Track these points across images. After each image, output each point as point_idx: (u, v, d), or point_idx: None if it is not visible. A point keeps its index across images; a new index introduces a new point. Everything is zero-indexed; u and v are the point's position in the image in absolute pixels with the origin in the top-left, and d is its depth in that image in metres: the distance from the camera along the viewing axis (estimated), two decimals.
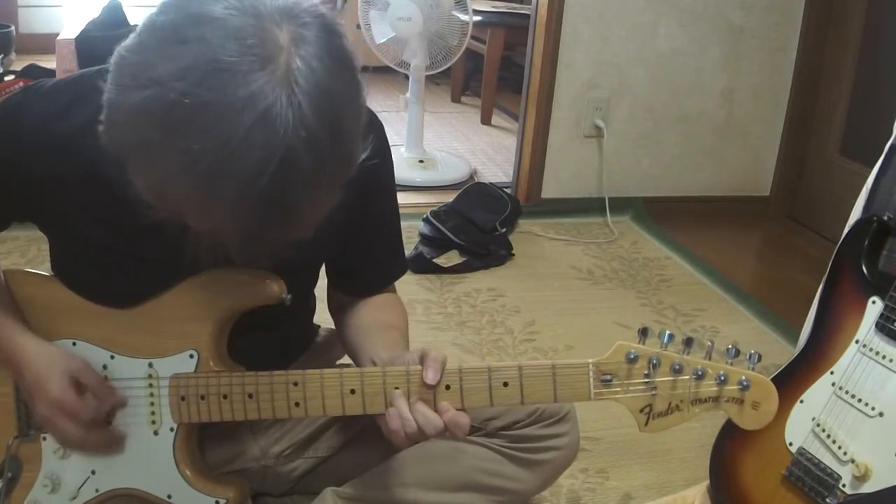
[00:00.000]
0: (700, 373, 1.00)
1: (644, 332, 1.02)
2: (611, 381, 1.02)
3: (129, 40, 0.83)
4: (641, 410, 1.02)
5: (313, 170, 0.80)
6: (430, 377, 1.02)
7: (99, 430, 1.08)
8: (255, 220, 0.82)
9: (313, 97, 0.79)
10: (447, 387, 1.04)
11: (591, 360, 1.03)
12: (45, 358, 1.07)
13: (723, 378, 1.00)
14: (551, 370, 1.04)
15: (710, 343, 1.03)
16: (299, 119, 0.78)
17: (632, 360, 1.01)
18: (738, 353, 1.02)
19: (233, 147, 0.77)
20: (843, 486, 1.24)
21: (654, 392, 1.02)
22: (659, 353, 1.01)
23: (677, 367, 1.00)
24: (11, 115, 1.02)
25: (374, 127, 1.11)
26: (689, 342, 1.01)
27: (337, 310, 1.30)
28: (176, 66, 0.77)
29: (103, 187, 1.00)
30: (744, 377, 1.00)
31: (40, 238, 1.18)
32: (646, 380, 1.02)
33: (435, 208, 2.79)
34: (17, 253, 2.37)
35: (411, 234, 2.76)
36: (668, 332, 1.02)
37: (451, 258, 2.63)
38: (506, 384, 1.04)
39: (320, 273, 1.28)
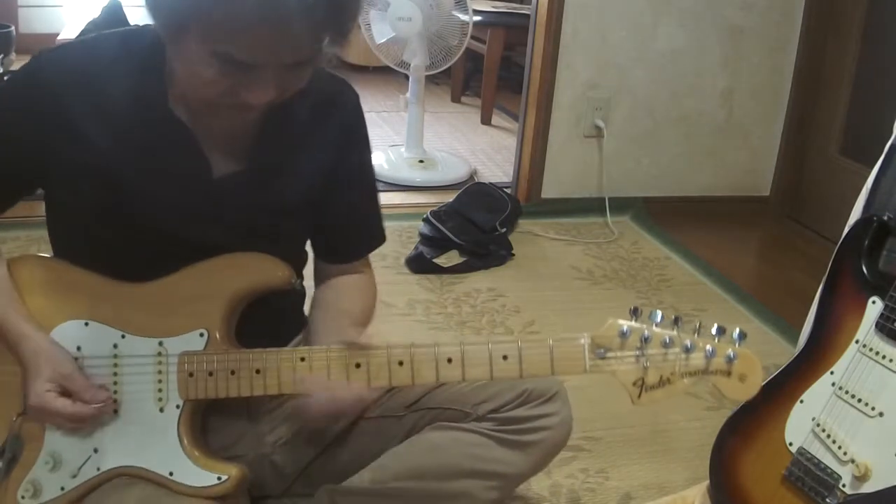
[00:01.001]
0: (689, 346, 1.05)
1: (635, 312, 1.08)
2: (605, 354, 1.07)
3: None
4: (634, 383, 1.07)
5: None
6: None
7: (84, 421, 1.09)
8: (322, 19, 0.92)
9: None
10: (449, 360, 1.08)
11: (585, 334, 1.08)
12: (39, 356, 1.09)
13: (711, 351, 1.05)
14: (548, 343, 1.08)
15: (697, 323, 1.08)
16: None
17: (624, 335, 1.07)
18: (724, 330, 1.07)
19: None
20: (843, 486, 1.24)
21: (646, 365, 1.06)
22: (651, 329, 1.06)
23: (668, 340, 1.06)
24: (33, 65, 1.10)
25: (352, 92, 1.24)
26: (677, 321, 1.07)
27: (318, 282, 1.33)
28: None
29: (120, 120, 1.08)
30: (730, 351, 1.05)
31: (40, 238, 1.18)
32: (638, 353, 1.06)
33: (435, 208, 2.79)
34: (18, 252, 2.36)
35: (411, 234, 2.76)
36: (659, 312, 1.07)
37: (451, 258, 2.63)
38: (505, 357, 1.08)
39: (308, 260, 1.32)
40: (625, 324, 1.06)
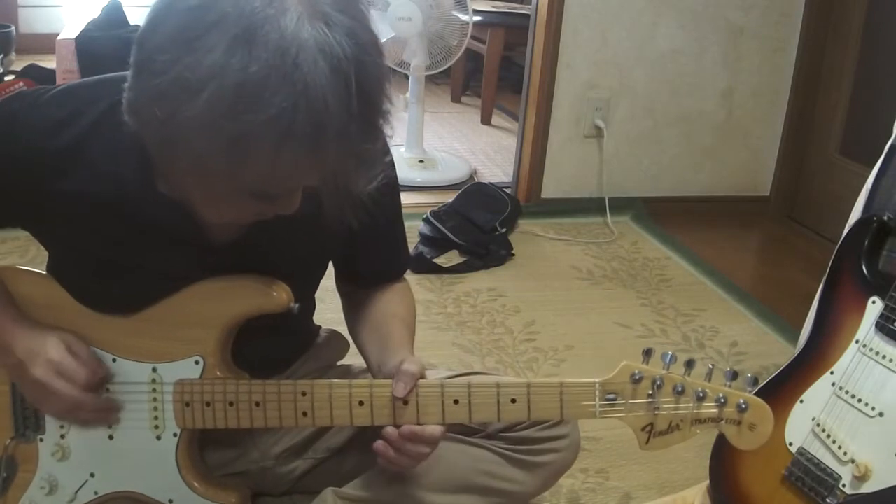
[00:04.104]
0: (701, 394, 1.03)
1: (648, 353, 1.05)
2: (615, 400, 1.05)
3: (146, 69, 0.82)
4: (643, 429, 1.05)
5: (379, 65, 0.85)
6: (399, 390, 1.04)
7: (94, 393, 1.07)
8: (360, 140, 0.85)
9: (338, 7, 0.82)
10: (455, 401, 1.06)
11: (597, 380, 1.05)
12: (36, 331, 1.07)
13: (722, 400, 1.03)
14: (559, 389, 1.06)
15: (710, 366, 1.06)
16: (345, 31, 0.81)
17: (636, 381, 1.04)
18: (736, 375, 1.05)
19: (315, 87, 0.79)
20: (843, 486, 1.24)
21: (656, 412, 1.04)
22: (662, 375, 1.04)
23: (679, 388, 1.03)
24: (7, 123, 1.01)
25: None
26: (690, 364, 1.04)
27: (345, 294, 1.30)
28: (219, 48, 0.78)
29: (97, 201, 1.01)
30: (742, 400, 1.03)
31: None
32: (649, 400, 1.04)
33: (435, 208, 2.79)
34: (17, 253, 2.36)
35: (411, 234, 2.76)
36: (670, 354, 1.04)
37: (451, 258, 2.63)
38: (514, 400, 1.06)
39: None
40: (637, 368, 1.04)
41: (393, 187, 1.21)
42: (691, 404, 1.03)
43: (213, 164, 0.83)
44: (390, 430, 1.06)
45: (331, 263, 1.27)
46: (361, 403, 1.06)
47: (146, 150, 0.93)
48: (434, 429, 1.06)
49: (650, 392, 1.04)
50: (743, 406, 1.02)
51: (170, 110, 0.81)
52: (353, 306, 1.28)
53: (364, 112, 0.83)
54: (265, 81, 0.78)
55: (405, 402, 1.06)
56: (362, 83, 0.82)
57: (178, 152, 0.84)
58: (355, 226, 0.99)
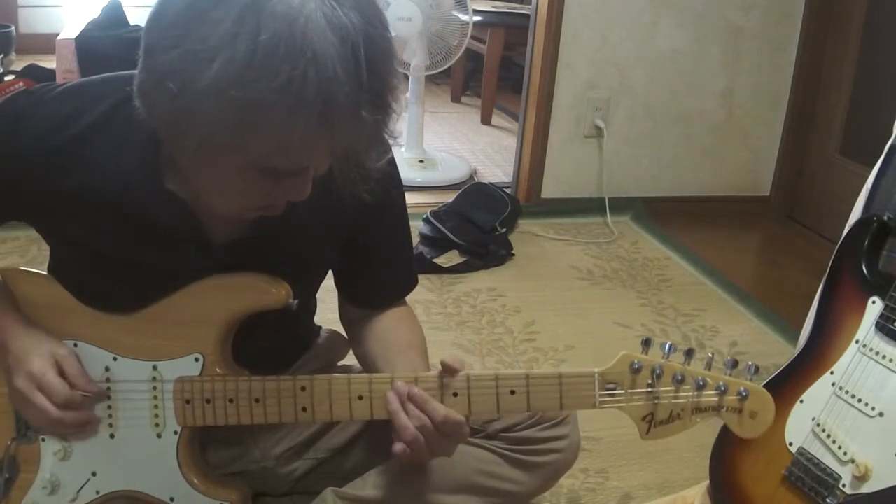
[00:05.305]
0: (701, 383, 1.03)
1: (647, 343, 1.05)
2: (615, 390, 1.05)
3: (156, 49, 0.83)
4: (644, 419, 1.05)
5: (387, 38, 0.85)
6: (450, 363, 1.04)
7: (74, 410, 1.06)
8: (370, 112, 0.84)
9: None
10: (455, 394, 1.05)
11: (596, 370, 1.05)
12: (31, 338, 1.07)
13: (723, 388, 1.03)
14: (558, 379, 1.05)
15: (710, 355, 1.06)
16: (351, 5, 0.82)
17: (636, 370, 1.04)
18: (736, 364, 1.04)
19: (323, 56, 0.79)
20: (843, 486, 1.24)
21: (656, 401, 1.04)
22: (662, 364, 1.03)
23: (679, 377, 1.03)
24: (10, 121, 1.01)
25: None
26: (689, 353, 1.04)
27: (350, 323, 1.29)
28: (228, 19, 0.79)
29: (99, 198, 1.01)
30: (742, 388, 1.03)
31: (40, 238, 1.17)
32: (649, 389, 1.04)
33: (435, 208, 2.79)
34: (17, 253, 2.36)
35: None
36: (669, 344, 1.04)
37: (451, 258, 2.63)
38: (513, 392, 1.05)
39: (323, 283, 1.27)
40: (636, 358, 1.04)
41: (395, 183, 1.20)
42: (691, 393, 1.03)
43: (223, 136, 0.83)
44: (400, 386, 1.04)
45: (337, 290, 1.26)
46: (360, 398, 1.06)
47: (150, 147, 0.94)
48: (455, 416, 1.04)
49: (650, 381, 1.03)
50: (744, 394, 1.02)
51: (181, 83, 0.81)
52: (363, 334, 1.25)
53: (374, 84, 0.83)
54: (274, 50, 0.78)
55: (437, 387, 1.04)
56: (371, 55, 0.82)
57: (189, 128, 0.83)
58: (367, 200, 0.99)
